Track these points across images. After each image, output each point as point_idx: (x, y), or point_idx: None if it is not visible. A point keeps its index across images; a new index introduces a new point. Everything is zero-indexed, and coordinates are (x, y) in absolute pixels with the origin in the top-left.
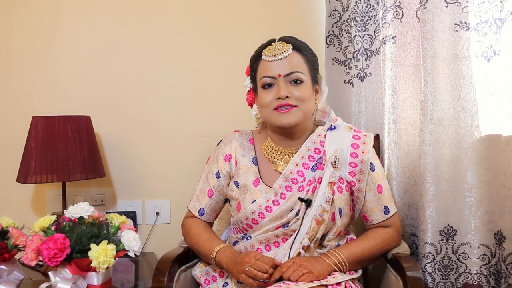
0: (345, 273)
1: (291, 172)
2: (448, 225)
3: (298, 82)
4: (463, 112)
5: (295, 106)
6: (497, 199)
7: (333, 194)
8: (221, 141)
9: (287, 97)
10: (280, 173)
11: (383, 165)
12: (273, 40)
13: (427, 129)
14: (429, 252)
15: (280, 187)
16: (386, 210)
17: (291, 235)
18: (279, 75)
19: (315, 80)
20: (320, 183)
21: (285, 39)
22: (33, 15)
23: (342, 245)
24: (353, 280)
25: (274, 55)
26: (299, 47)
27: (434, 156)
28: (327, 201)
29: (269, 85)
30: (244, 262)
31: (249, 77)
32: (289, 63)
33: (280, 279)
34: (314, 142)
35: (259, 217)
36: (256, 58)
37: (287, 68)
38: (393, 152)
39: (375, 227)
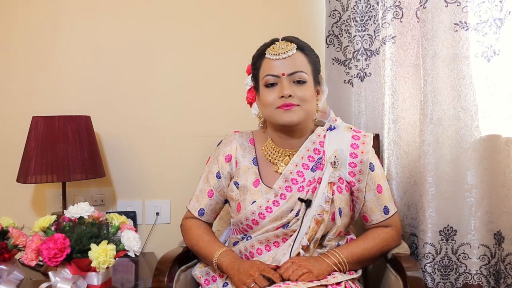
0: (345, 273)
1: (291, 173)
2: (448, 225)
3: (302, 82)
4: (463, 112)
5: (298, 105)
6: (497, 199)
7: (332, 194)
8: (221, 141)
9: (290, 96)
10: (280, 174)
11: (383, 165)
12: (276, 40)
13: (427, 129)
14: (429, 252)
15: (280, 188)
16: (386, 210)
17: (291, 235)
18: (283, 74)
19: (317, 81)
20: (319, 183)
21: (289, 39)
22: (33, 15)
23: (342, 245)
24: (353, 280)
25: (279, 54)
26: (303, 47)
27: (434, 156)
28: (326, 201)
29: (272, 84)
30: (248, 275)
31: (249, 75)
32: (293, 62)
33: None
34: (314, 143)
35: (259, 218)
36: (259, 56)
37: (291, 67)
38: (393, 152)
39: (375, 227)
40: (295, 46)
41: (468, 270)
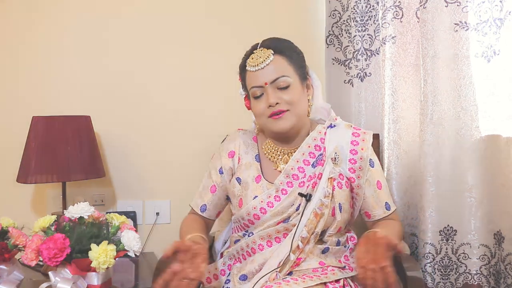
0: (344, 268)
1: (292, 169)
2: (448, 225)
3: (286, 87)
4: (463, 112)
5: (287, 110)
6: (497, 199)
7: (333, 190)
8: (225, 138)
9: (277, 103)
10: (280, 171)
11: (382, 165)
12: (256, 47)
13: (427, 129)
14: (429, 252)
15: (281, 183)
16: (387, 206)
17: (291, 230)
18: (266, 84)
19: (303, 76)
20: (320, 178)
21: (265, 44)
22: (33, 15)
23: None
24: (352, 278)
25: (257, 65)
26: (281, 49)
27: (434, 156)
28: (326, 196)
29: (260, 95)
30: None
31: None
32: (274, 68)
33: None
34: (315, 139)
35: (261, 212)
36: (242, 69)
37: (272, 75)
38: (393, 152)
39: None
40: (272, 52)
41: (468, 270)
